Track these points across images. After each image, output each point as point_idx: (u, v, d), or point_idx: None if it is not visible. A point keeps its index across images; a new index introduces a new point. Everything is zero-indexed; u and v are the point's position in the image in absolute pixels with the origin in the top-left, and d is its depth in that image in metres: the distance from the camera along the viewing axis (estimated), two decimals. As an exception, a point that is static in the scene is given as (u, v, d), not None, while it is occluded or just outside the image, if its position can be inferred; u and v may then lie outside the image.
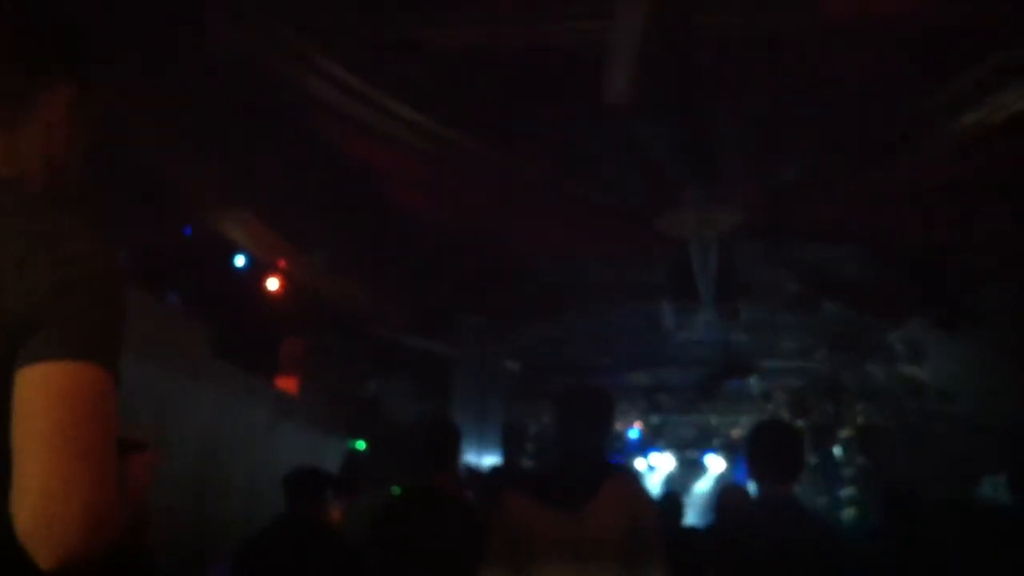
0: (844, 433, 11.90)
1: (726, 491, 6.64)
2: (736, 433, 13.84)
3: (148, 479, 1.35)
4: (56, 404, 1.10)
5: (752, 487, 4.05)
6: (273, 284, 6.60)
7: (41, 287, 1.13)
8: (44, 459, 1.07)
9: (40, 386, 1.10)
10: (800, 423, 11.71)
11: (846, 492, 11.90)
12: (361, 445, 8.49)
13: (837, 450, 12.12)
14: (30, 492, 1.07)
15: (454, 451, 3.86)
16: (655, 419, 13.64)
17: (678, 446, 15.82)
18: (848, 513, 11.54)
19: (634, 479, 3.69)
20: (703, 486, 16.25)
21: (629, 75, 4.16)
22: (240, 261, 6.34)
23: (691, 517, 12.29)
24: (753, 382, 11.48)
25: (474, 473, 6.85)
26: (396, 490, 5.20)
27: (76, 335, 1.13)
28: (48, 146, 1.33)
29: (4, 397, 1.12)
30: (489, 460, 8.74)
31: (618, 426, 13.35)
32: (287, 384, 7.70)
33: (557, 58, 4.31)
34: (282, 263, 6.59)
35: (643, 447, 15.19)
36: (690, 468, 16.47)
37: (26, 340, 1.12)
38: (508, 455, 10.11)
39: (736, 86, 4.59)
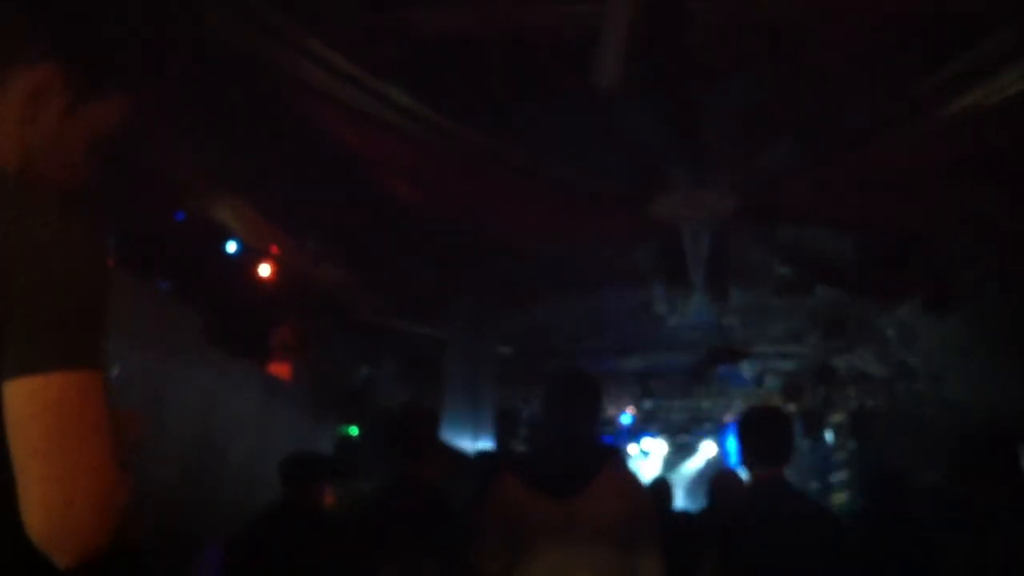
0: (835, 418, 11.96)
1: (719, 476, 6.68)
2: (728, 417, 13.87)
3: (137, 436, 1.38)
4: (42, 417, 1.11)
5: (744, 471, 4.07)
6: (265, 270, 6.59)
7: (11, 283, 1.12)
8: (42, 471, 1.11)
9: (24, 401, 1.12)
10: (792, 407, 11.75)
11: (837, 477, 11.97)
12: (354, 431, 8.49)
13: (828, 435, 12.17)
14: (37, 503, 1.10)
15: (430, 439, 3.80)
16: (647, 404, 13.66)
17: (670, 431, 15.86)
18: (839, 497, 11.61)
19: (627, 465, 3.69)
20: (695, 470, 16.33)
21: (619, 59, 4.15)
22: (232, 247, 6.32)
23: (683, 502, 12.35)
24: (745, 367, 11.50)
25: (461, 458, 6.84)
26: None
27: (52, 343, 1.13)
28: (22, 132, 1.27)
29: None
30: (482, 445, 8.74)
31: (610, 411, 13.38)
32: (279, 370, 7.69)
33: (546, 42, 4.30)
34: (274, 249, 6.57)
35: (635, 432, 15.23)
36: (682, 453, 16.53)
37: (3, 341, 1.12)
38: (501, 440, 10.11)
39: (725, 69, 4.58)
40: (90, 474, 1.12)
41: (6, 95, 1.26)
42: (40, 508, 1.10)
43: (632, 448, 15.48)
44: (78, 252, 1.18)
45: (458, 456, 6.99)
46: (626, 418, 14.34)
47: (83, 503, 1.10)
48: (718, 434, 15.43)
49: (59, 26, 1.31)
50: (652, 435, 15.65)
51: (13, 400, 1.12)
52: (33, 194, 1.21)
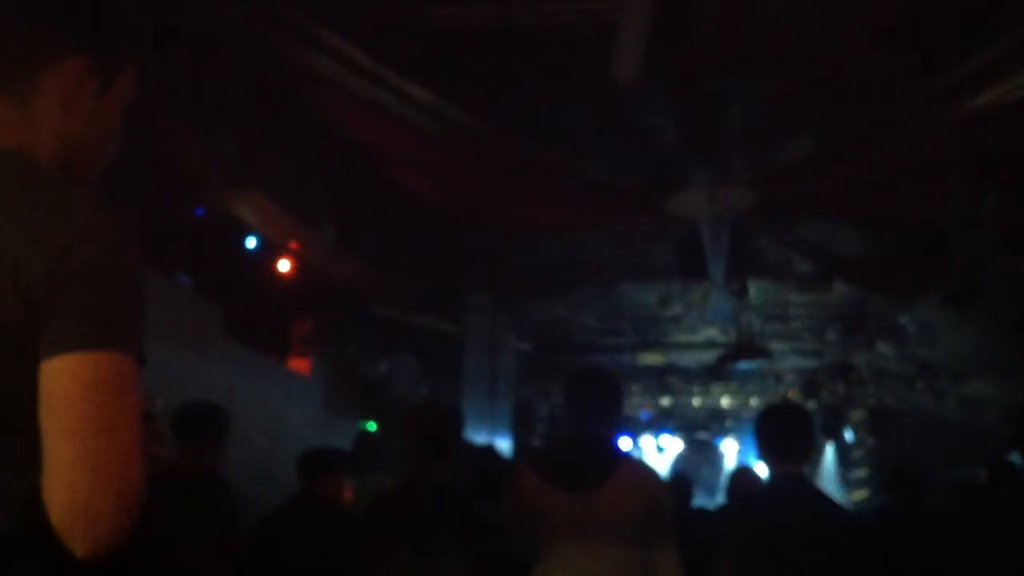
0: (855, 415, 11.91)
1: (737, 473, 6.66)
2: (747, 415, 13.83)
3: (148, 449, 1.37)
4: (81, 396, 1.10)
5: (763, 468, 4.06)
6: (284, 265, 6.61)
7: (59, 268, 1.12)
8: (73, 453, 1.09)
9: (64, 379, 1.11)
10: (811, 404, 11.71)
11: (856, 474, 11.92)
12: (372, 426, 8.51)
13: (848, 432, 12.12)
14: (62, 486, 1.09)
15: (454, 437, 3.73)
16: (665, 401, 13.64)
17: (689, 428, 15.83)
18: (858, 494, 11.56)
19: (644, 463, 3.67)
20: (714, 468, 16.26)
21: (637, 55, 4.14)
22: (251, 242, 6.34)
23: (701, 499, 12.32)
24: (764, 363, 11.46)
25: (468, 453, 6.82)
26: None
27: (97, 323, 1.13)
28: (64, 122, 1.30)
29: (27, 377, 1.12)
30: (500, 441, 8.75)
31: (629, 408, 13.37)
32: (298, 365, 7.73)
33: (564, 38, 4.30)
34: (293, 244, 6.60)
35: (654, 429, 15.21)
36: (701, 450, 16.47)
37: (46, 323, 1.12)
38: (519, 436, 10.13)
39: (742, 65, 4.57)
40: (121, 461, 1.10)
41: (45, 93, 1.29)
42: (65, 491, 1.08)
43: (650, 445, 15.47)
44: (118, 237, 1.19)
45: (466, 451, 6.99)
46: (644, 415, 14.33)
47: (110, 490, 1.08)
48: (737, 431, 15.38)
49: (82, 19, 1.33)
50: (670, 432, 15.63)
51: (53, 378, 1.11)
52: (73, 180, 1.25)
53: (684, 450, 16.24)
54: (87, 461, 1.09)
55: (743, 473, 6.44)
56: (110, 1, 1.37)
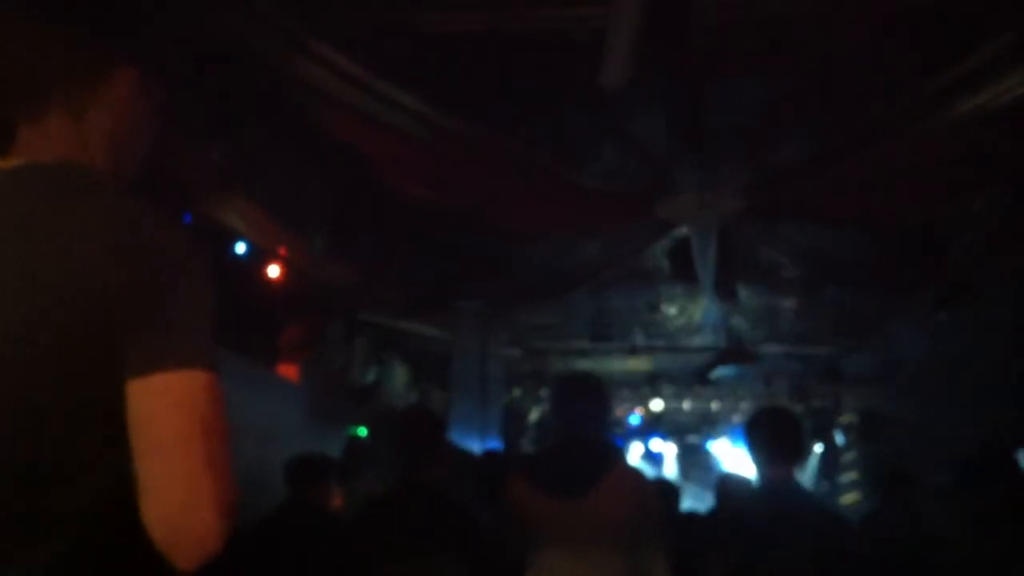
0: (845, 418, 11.92)
1: (727, 477, 6.66)
2: (737, 419, 13.82)
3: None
4: (177, 413, 1.13)
5: (753, 472, 4.06)
6: (273, 271, 6.59)
7: (138, 280, 1.13)
8: (168, 471, 1.11)
9: (160, 396, 1.13)
10: (800, 408, 11.72)
11: (846, 477, 11.92)
12: (362, 432, 8.49)
13: (838, 435, 12.13)
14: (164, 502, 1.11)
15: (435, 441, 3.72)
16: (655, 405, 13.63)
17: (679, 432, 15.82)
18: (848, 498, 11.57)
19: (635, 468, 3.67)
20: (706, 470, 16.27)
21: (626, 61, 4.15)
22: (240, 248, 6.32)
23: (691, 503, 12.32)
24: (753, 367, 11.46)
25: (468, 459, 6.82)
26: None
27: (188, 341, 1.16)
28: (116, 131, 1.33)
29: (108, 388, 1.12)
30: (490, 446, 8.72)
31: (619, 412, 13.36)
32: (288, 371, 7.69)
33: (554, 43, 4.30)
34: (282, 251, 6.57)
35: (643, 433, 15.19)
36: (691, 454, 16.47)
37: (134, 338, 1.12)
38: (509, 441, 10.11)
39: (733, 68, 4.57)
40: (215, 475, 1.13)
41: (99, 104, 1.31)
42: (167, 506, 1.10)
43: (638, 448, 15.46)
44: (191, 247, 1.21)
45: (463, 456, 6.97)
46: (634, 419, 14.31)
47: (212, 504, 1.11)
48: (727, 435, 15.38)
49: (131, 29, 1.36)
50: (660, 436, 15.61)
51: (144, 395, 1.12)
52: (131, 190, 1.26)
53: (675, 454, 16.24)
54: (183, 476, 1.11)
55: (733, 477, 6.43)
56: (149, 9, 1.40)
